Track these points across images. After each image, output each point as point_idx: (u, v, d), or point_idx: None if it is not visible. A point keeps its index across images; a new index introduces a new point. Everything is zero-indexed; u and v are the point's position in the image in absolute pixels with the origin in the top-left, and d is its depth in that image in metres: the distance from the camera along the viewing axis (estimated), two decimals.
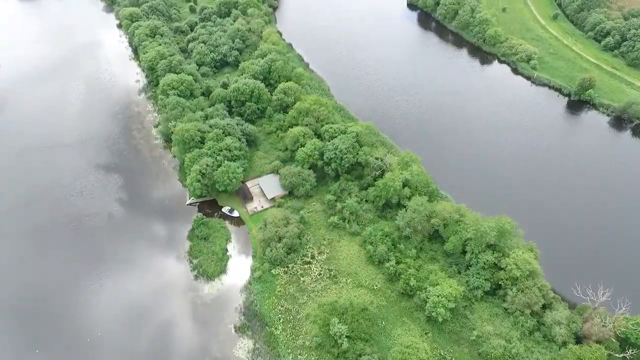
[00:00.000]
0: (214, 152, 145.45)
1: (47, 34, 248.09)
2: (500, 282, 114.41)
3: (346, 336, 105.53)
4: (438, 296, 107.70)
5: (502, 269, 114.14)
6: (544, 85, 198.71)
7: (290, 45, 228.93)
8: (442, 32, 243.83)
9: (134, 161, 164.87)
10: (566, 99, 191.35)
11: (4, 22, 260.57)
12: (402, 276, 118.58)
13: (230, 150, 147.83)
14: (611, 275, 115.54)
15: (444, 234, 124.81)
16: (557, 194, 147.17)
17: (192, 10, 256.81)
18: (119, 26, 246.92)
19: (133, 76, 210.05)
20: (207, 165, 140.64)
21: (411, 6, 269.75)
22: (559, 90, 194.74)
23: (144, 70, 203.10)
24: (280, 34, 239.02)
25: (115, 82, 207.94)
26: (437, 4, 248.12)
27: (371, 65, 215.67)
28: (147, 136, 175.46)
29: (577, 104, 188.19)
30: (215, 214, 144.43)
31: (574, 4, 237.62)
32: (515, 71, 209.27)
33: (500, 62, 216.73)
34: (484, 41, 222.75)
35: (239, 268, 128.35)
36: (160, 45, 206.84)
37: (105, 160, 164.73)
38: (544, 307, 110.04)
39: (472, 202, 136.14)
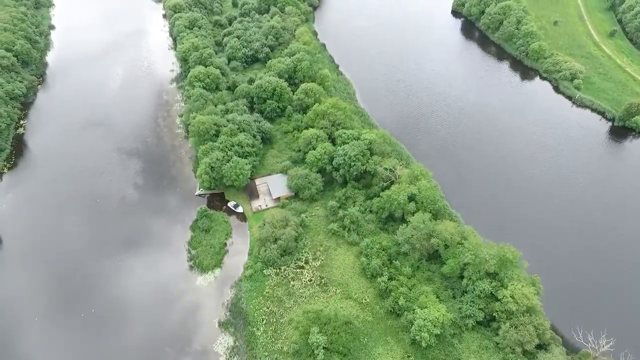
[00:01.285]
0: (226, 147, 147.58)
1: (101, 19, 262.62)
2: (494, 314, 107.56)
3: (324, 347, 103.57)
4: (424, 320, 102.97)
5: (499, 300, 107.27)
6: (586, 107, 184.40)
7: (323, 45, 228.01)
8: (484, 42, 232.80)
9: (154, 148, 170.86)
10: (609, 124, 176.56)
11: (66, 6, 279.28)
12: (393, 293, 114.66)
13: (242, 147, 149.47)
14: (617, 324, 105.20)
15: (444, 255, 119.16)
16: (580, 229, 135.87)
17: (235, 4, 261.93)
18: (164, 16, 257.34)
19: (169, 66, 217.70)
20: (217, 159, 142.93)
21: (455, 13, 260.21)
22: (602, 113, 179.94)
23: (178, 61, 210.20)
24: (315, 34, 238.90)
25: (152, 70, 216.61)
26: (482, 12, 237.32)
27: (403, 72, 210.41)
28: (171, 125, 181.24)
29: (620, 131, 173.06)
30: (223, 207, 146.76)
31: (636, 20, 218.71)
32: (557, 89, 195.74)
33: (542, 78, 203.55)
34: (526, 55, 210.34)
35: (234, 264, 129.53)
36: (196, 37, 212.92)
37: (129, 145, 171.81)
38: (539, 346, 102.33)
39: (484, 225, 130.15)
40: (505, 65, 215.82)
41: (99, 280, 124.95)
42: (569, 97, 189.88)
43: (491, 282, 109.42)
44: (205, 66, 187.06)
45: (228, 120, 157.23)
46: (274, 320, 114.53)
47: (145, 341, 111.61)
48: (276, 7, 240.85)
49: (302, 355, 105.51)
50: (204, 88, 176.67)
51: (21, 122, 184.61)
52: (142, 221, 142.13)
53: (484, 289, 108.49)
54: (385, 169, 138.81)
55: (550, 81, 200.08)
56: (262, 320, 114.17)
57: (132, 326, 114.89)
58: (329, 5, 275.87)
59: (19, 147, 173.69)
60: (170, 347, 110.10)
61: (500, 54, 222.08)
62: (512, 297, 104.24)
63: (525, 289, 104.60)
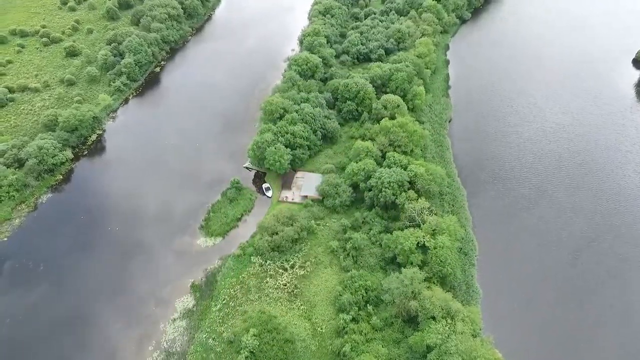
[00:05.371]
0: (279, 132, 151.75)
1: None
2: None
3: (251, 351, 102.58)
4: None
5: None
6: None
7: (447, 62, 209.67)
8: None
9: (238, 115, 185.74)
10: None
11: None
12: (346, 336, 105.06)
13: (294, 137, 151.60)
14: None
15: (422, 324, 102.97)
16: None
17: (383, 0, 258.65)
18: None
19: (293, 45, 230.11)
20: (266, 140, 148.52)
21: (637, 63, 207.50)
22: None
23: (298, 42, 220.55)
24: (447, 48, 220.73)
25: (276, 45, 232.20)
26: None
27: (521, 116, 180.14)
28: (262, 98, 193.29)
29: None
30: (257, 186, 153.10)
31: None
32: None
33: None
34: None
35: (235, 239, 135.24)
36: (324, 24, 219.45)
37: (222, 106, 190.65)
38: None
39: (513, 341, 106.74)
40: None
41: (135, 206, 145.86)
42: None
43: None
44: (313, 53, 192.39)
45: (296, 111, 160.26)
46: (233, 304, 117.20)
47: (123, 269, 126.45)
48: (417, 10, 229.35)
49: (232, 348, 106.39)
50: (299, 73, 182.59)
51: (162, 62, 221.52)
52: (194, 172, 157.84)
53: None
54: (414, 208, 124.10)
55: None
56: (223, 300, 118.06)
57: (128, 252, 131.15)
58: (482, 20, 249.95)
59: (150, 81, 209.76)
60: (146, 284, 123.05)
61: None
62: None
63: None
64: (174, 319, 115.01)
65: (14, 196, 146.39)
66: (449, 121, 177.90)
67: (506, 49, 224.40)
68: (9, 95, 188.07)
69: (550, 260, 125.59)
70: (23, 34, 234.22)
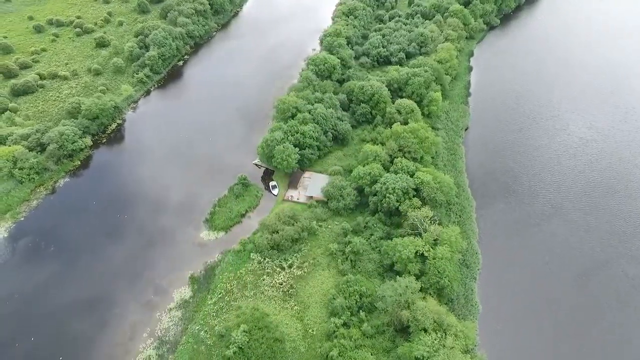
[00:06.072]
0: (289, 131, 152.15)
1: None
2: None
3: (240, 347, 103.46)
4: None
5: None
6: None
7: (469, 68, 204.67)
8: None
9: (254, 112, 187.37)
10: None
11: None
12: (335, 341, 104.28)
13: (304, 136, 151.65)
14: None
15: (413, 335, 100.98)
16: None
17: (410, 3, 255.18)
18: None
19: (316, 45, 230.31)
20: (275, 138, 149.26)
21: None
22: None
23: (319, 41, 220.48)
24: (472, 54, 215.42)
25: (299, 44, 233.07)
26: None
27: (546, 128, 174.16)
28: (279, 94, 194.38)
29: None
30: (265, 184, 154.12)
31: None
32: None
33: None
34: None
35: (237, 235, 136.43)
36: (347, 25, 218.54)
37: (240, 102, 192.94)
38: None
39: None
40: None
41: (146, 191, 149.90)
42: None
43: None
44: (332, 54, 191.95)
45: (309, 111, 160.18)
46: (229, 299, 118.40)
47: (127, 256, 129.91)
48: (442, 15, 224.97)
49: (222, 342, 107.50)
50: (316, 73, 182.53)
51: (185, 56, 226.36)
52: (207, 165, 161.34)
53: None
54: (416, 217, 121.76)
55: None
56: (219, 294, 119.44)
57: (130, 237, 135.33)
58: (511, 27, 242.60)
59: (172, 74, 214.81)
60: (147, 272, 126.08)
61: None
62: None
63: None
64: (170, 309, 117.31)
65: (34, 178, 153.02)
66: (466, 129, 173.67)
67: (534, 58, 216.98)
68: (40, 82, 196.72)
69: (557, 280, 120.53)
70: (59, 24, 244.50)
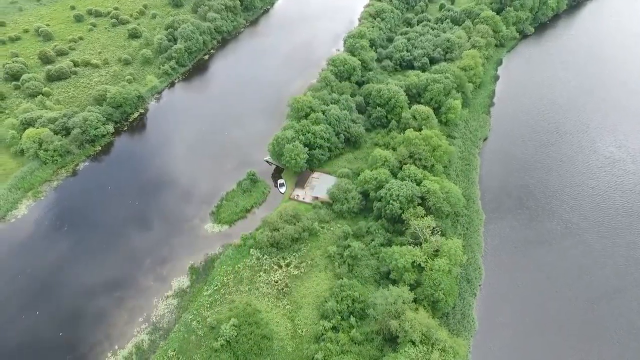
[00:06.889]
0: (300, 130, 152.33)
1: None
2: None
3: (227, 340, 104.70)
4: None
5: None
6: None
7: (496, 77, 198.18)
8: None
9: (273, 109, 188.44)
10: None
11: None
12: (322, 344, 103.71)
13: (315, 136, 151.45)
14: None
15: (400, 346, 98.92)
16: None
17: (441, 7, 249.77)
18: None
19: (340, 45, 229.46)
20: (286, 137, 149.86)
21: None
22: None
23: (343, 42, 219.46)
24: (500, 62, 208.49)
25: (325, 44, 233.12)
26: None
27: (570, 144, 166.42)
28: (299, 93, 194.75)
29: None
30: (274, 181, 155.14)
31: None
32: None
33: None
34: None
35: (240, 230, 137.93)
36: (373, 27, 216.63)
37: (259, 98, 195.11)
38: None
39: None
40: None
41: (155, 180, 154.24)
42: None
43: None
44: (354, 55, 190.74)
45: (323, 111, 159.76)
46: (224, 292, 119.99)
47: (134, 241, 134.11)
48: (472, 21, 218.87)
49: (212, 334, 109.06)
50: (335, 74, 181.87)
51: (211, 51, 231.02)
52: (220, 159, 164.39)
53: None
54: (418, 226, 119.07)
55: None
56: (216, 286, 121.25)
57: (134, 224, 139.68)
58: (546, 37, 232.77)
59: (197, 67, 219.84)
60: (150, 258, 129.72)
61: None
62: None
63: None
64: (167, 296, 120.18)
65: (57, 160, 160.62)
66: (484, 140, 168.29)
67: (566, 70, 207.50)
68: (73, 69, 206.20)
69: (563, 304, 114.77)
70: (97, 14, 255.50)
